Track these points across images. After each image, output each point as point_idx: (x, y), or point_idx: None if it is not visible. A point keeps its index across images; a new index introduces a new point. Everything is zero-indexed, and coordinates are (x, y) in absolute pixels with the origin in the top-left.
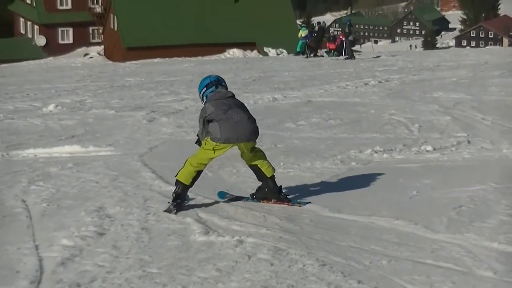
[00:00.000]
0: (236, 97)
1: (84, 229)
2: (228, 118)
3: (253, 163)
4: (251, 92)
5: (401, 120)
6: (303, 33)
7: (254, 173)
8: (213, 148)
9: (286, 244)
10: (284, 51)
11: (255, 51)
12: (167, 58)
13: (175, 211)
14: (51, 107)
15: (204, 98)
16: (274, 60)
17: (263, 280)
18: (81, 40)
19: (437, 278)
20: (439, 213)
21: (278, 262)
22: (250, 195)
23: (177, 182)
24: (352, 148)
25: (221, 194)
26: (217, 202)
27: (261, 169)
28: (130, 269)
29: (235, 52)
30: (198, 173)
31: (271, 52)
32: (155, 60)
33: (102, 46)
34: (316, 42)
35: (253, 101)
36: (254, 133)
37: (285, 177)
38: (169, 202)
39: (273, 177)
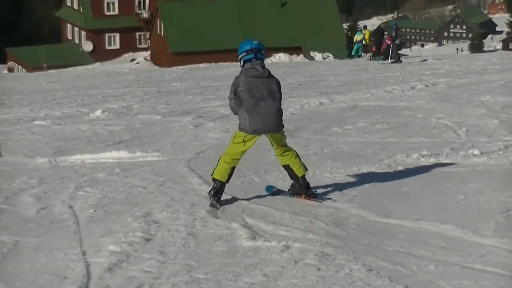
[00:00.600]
0: (271, 76)
1: (131, 235)
2: (258, 111)
3: (286, 163)
4: (297, 97)
5: (448, 124)
6: (358, 37)
7: (287, 172)
8: (243, 140)
9: (333, 249)
10: (330, 55)
11: (301, 56)
12: (213, 63)
13: (218, 205)
14: (98, 112)
15: (242, 62)
16: (320, 65)
17: (310, 285)
18: (128, 45)
19: (485, 283)
20: (487, 217)
21: (324, 267)
22: (287, 190)
23: (214, 180)
24: (399, 153)
25: (269, 188)
26: (263, 207)
27: (293, 169)
28: (177, 274)
29: (281, 57)
30: (233, 169)
31: (317, 56)
32: (201, 65)
33: (149, 52)
34: (378, 45)
35: (300, 105)
36: (280, 124)
37: (332, 182)
38: (210, 198)
39: (304, 176)
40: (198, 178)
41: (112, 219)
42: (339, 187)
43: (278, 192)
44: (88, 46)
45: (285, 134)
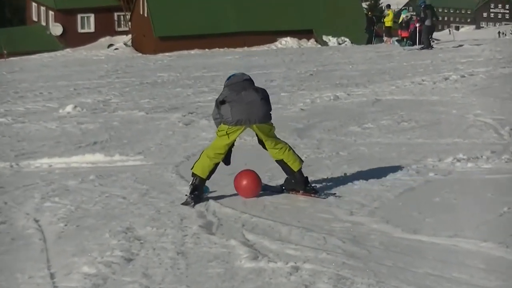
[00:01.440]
0: (254, 83)
1: (109, 254)
2: (239, 99)
3: (279, 158)
4: (307, 89)
5: (488, 122)
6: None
7: (281, 168)
8: (226, 132)
9: (350, 272)
10: (347, 40)
11: (312, 41)
12: (206, 50)
13: (193, 203)
14: (69, 108)
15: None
16: (335, 51)
17: None
18: (105, 28)
19: None
20: None
21: None
22: (280, 185)
23: (193, 175)
24: (429, 156)
25: (265, 188)
26: (267, 220)
27: (287, 163)
28: None
29: (288, 42)
30: (216, 165)
31: (331, 41)
32: (193, 51)
33: (130, 36)
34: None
35: (310, 100)
36: (266, 114)
37: (349, 191)
38: (186, 195)
39: (300, 170)
40: (189, 187)
41: (86, 235)
42: (358, 197)
43: (266, 188)
44: (57, 29)
45: (274, 126)
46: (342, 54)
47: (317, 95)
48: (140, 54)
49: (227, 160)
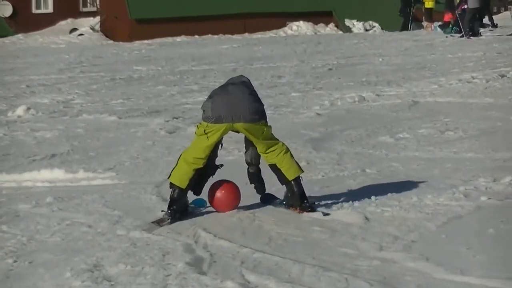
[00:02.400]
0: (252, 86)
1: None
2: (223, 92)
3: (272, 161)
4: (325, 88)
5: None
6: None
7: (275, 175)
8: (204, 131)
9: None
10: (376, 25)
11: (331, 26)
12: (196, 36)
13: (169, 220)
14: (20, 110)
15: None
16: (360, 39)
17: None
18: (66, 9)
19: None
20: None
21: None
22: (282, 199)
23: (171, 185)
24: (481, 175)
25: (268, 198)
26: (273, 256)
27: (281, 169)
28: None
29: (300, 27)
30: (196, 171)
31: (356, 26)
32: (178, 38)
33: (98, 18)
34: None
35: (329, 102)
36: (256, 111)
37: (379, 219)
38: (162, 211)
39: (297, 179)
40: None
41: (41, 274)
42: (390, 227)
43: (267, 199)
44: (5, 9)
45: (269, 125)
46: (370, 43)
47: (337, 96)
48: (111, 42)
49: (197, 186)
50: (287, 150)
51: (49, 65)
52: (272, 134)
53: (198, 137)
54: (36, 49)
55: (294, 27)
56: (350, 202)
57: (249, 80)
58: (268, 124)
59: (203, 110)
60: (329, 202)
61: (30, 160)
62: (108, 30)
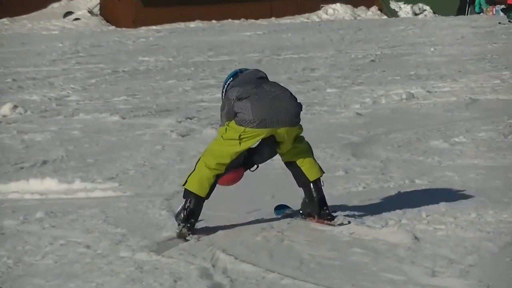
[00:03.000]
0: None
1: None
2: (262, 93)
3: (291, 159)
4: (366, 83)
5: None
6: None
7: (292, 175)
8: (239, 136)
9: None
10: (427, 8)
11: (374, 9)
12: (213, 22)
13: (190, 233)
14: (5, 109)
15: (224, 94)
16: (408, 25)
17: None
18: None
19: None
20: None
21: None
22: (299, 210)
23: (187, 193)
24: None
25: (279, 210)
26: (305, 283)
27: (301, 168)
28: None
29: (337, 11)
30: (217, 178)
31: (404, 10)
32: (193, 24)
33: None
34: None
35: (372, 99)
36: (298, 114)
37: (430, 239)
38: (179, 225)
39: (317, 182)
40: (179, 213)
41: None
42: (444, 248)
43: (292, 214)
44: None
45: (302, 126)
46: (420, 30)
47: (381, 93)
48: (113, 28)
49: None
50: (309, 147)
51: (39, 55)
52: None
53: (226, 141)
54: (23, 36)
55: (330, 11)
56: (397, 218)
57: (267, 76)
58: (301, 125)
59: (236, 112)
60: (372, 218)
61: (17, 167)
62: (109, 14)
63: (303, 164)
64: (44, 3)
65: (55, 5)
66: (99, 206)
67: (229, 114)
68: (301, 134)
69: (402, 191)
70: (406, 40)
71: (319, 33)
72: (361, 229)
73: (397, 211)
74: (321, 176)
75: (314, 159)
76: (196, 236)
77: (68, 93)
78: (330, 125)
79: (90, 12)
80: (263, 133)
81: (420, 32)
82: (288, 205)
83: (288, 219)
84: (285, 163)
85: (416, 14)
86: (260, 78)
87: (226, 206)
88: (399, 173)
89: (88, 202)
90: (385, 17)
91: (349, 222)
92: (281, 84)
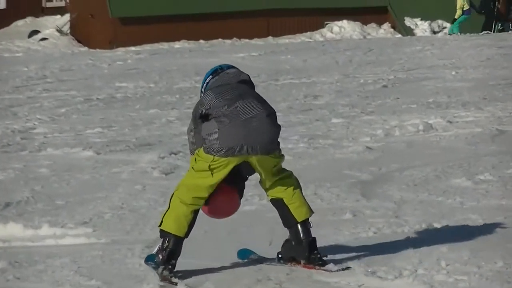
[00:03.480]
0: (254, 87)
1: None
2: (234, 113)
3: (277, 195)
4: (378, 113)
5: None
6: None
7: (278, 213)
8: (209, 166)
9: None
10: (448, 25)
11: (386, 26)
12: (201, 41)
13: (173, 277)
14: None
15: (203, 92)
16: (426, 45)
17: None
18: (25, 4)
19: None
20: None
21: None
22: (277, 254)
23: (164, 234)
24: None
25: (243, 253)
26: None
27: (289, 207)
28: None
29: (344, 28)
30: (195, 215)
31: (420, 27)
32: (177, 44)
33: (67, 17)
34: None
35: (384, 131)
36: (274, 139)
37: None
38: (158, 267)
39: (306, 223)
40: (156, 254)
41: None
42: None
43: (259, 260)
44: None
45: (282, 155)
46: (439, 50)
47: (395, 123)
48: (85, 49)
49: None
50: (298, 184)
51: (0, 82)
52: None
53: (197, 173)
54: None
55: (336, 29)
56: (412, 268)
57: (249, 78)
58: (281, 153)
59: (204, 138)
60: (383, 268)
61: None
62: (81, 33)
63: (291, 202)
64: (7, 21)
65: (19, 23)
66: (71, 255)
67: (195, 120)
68: (290, 170)
69: (418, 236)
70: (423, 62)
71: (323, 55)
72: (372, 281)
73: (413, 259)
74: (310, 216)
75: (303, 196)
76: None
77: (34, 124)
78: (336, 161)
79: (59, 31)
80: (233, 161)
81: (439, 53)
82: (252, 250)
83: (288, 269)
84: (270, 200)
85: (434, 32)
86: (241, 82)
87: (215, 254)
88: (415, 216)
89: (58, 250)
90: (399, 35)
91: (349, 268)
92: (259, 96)
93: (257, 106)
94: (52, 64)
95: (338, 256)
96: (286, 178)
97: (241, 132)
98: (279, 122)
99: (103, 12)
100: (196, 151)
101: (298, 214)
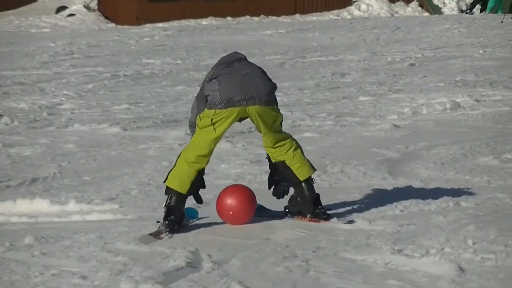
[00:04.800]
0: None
1: None
2: (231, 71)
3: (279, 158)
4: (405, 91)
5: None
6: None
7: (283, 176)
8: (211, 120)
9: None
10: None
11: (413, 4)
12: (228, 18)
13: (167, 231)
14: None
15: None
16: (454, 23)
17: None
18: None
19: None
20: None
21: None
22: (284, 208)
23: (168, 190)
24: None
25: (260, 209)
26: None
27: (291, 167)
28: None
29: (372, 6)
30: (199, 173)
31: (448, 5)
32: (205, 21)
33: None
34: None
35: (411, 109)
36: (271, 92)
37: (478, 270)
38: (158, 221)
39: (309, 180)
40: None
41: None
42: (493, 282)
43: (271, 214)
44: None
45: (280, 113)
46: (467, 29)
47: (422, 101)
48: (112, 25)
49: (198, 192)
50: (298, 145)
51: (28, 57)
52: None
53: (202, 130)
54: (10, 34)
55: (363, 7)
56: (439, 247)
57: (246, 58)
58: (280, 111)
59: (207, 95)
60: (410, 246)
61: (3, 186)
62: (109, 10)
63: (293, 163)
64: None
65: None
66: (97, 231)
67: (199, 96)
68: (288, 133)
69: (445, 215)
70: (451, 41)
71: (350, 32)
72: (398, 259)
73: (439, 238)
74: (312, 174)
75: (303, 156)
76: (210, 264)
77: (61, 100)
78: (363, 139)
79: (87, 7)
80: (233, 113)
81: (467, 32)
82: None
83: (314, 247)
84: (274, 163)
85: (462, 11)
86: (239, 60)
87: (242, 232)
88: (442, 195)
89: (84, 226)
90: (427, 14)
91: (352, 221)
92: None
93: (252, 65)
94: (79, 40)
95: (363, 235)
96: (286, 140)
97: (238, 85)
98: (307, 99)
99: None
100: (202, 112)
101: (300, 174)
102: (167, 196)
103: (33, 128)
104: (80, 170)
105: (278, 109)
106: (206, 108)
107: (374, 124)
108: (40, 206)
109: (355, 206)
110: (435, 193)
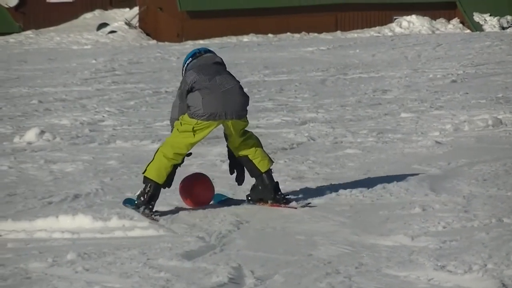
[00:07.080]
0: (226, 67)
1: None
2: (214, 86)
3: (243, 153)
4: (447, 107)
5: None
6: None
7: (245, 167)
8: (192, 128)
9: None
10: None
11: (454, 21)
12: (270, 35)
13: (154, 215)
14: (30, 135)
15: (184, 71)
16: (495, 40)
17: None
18: None
19: None
20: None
21: None
22: (246, 196)
23: (146, 180)
24: None
25: (218, 197)
26: None
27: (253, 161)
28: None
29: (413, 23)
30: (175, 167)
31: (489, 22)
32: (245, 38)
33: (136, 10)
34: None
35: (453, 125)
36: (245, 106)
37: None
38: (139, 207)
39: (269, 171)
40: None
41: None
42: None
43: (228, 201)
44: None
45: (248, 120)
46: (509, 46)
47: (464, 118)
48: (154, 42)
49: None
50: (259, 142)
51: (69, 74)
52: None
53: (181, 133)
54: (51, 51)
55: (404, 24)
56: (482, 263)
57: (222, 61)
58: (247, 120)
59: (189, 105)
60: (453, 262)
61: (45, 202)
62: (150, 26)
63: (255, 157)
64: (75, 13)
65: (88, 15)
66: (139, 247)
67: (182, 96)
68: (250, 131)
69: (487, 231)
70: (492, 57)
71: (391, 49)
72: (441, 275)
73: (482, 254)
74: (271, 166)
75: (263, 151)
76: (252, 280)
77: (103, 116)
78: (405, 156)
79: (128, 24)
80: (213, 124)
81: (508, 49)
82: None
83: (357, 263)
84: (237, 157)
85: (503, 28)
86: (216, 64)
87: (284, 248)
88: (484, 211)
89: (127, 242)
90: (468, 31)
91: (309, 204)
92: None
93: (231, 80)
94: (120, 56)
95: (406, 251)
96: (249, 138)
97: (220, 101)
98: (349, 116)
99: (172, 6)
100: (180, 117)
101: (261, 166)
102: (145, 185)
103: (75, 144)
104: (122, 186)
105: (247, 119)
106: (188, 116)
107: (416, 140)
108: (83, 222)
109: (397, 223)
110: (478, 209)
